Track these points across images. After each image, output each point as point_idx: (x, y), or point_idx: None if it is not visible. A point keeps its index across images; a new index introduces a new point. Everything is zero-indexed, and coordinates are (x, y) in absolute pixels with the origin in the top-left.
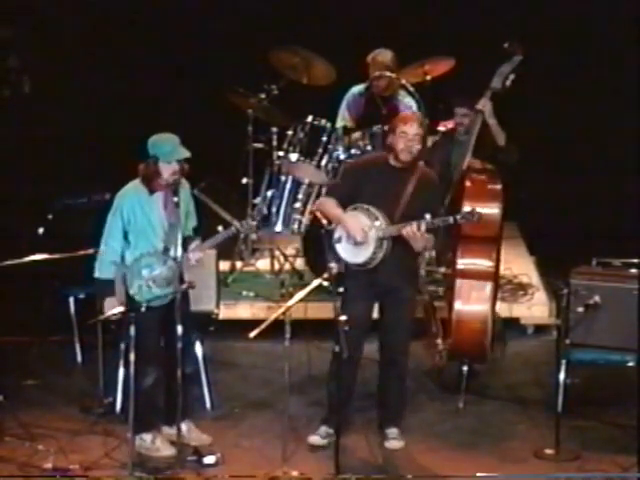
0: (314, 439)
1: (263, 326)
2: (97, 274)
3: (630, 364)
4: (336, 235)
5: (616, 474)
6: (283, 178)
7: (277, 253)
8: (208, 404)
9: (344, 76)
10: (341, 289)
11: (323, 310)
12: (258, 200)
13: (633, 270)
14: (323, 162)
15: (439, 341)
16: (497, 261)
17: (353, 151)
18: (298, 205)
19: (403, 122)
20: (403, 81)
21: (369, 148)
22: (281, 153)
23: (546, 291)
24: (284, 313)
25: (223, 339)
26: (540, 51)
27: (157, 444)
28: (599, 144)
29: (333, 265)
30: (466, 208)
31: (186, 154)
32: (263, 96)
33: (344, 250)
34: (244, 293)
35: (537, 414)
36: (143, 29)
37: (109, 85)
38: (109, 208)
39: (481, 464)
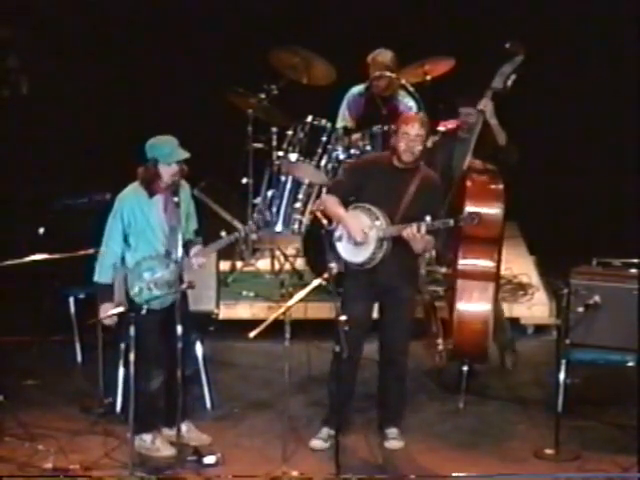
0: (316, 443)
1: (263, 326)
2: (96, 278)
3: (630, 364)
4: (337, 234)
5: (616, 474)
6: (283, 178)
7: (277, 253)
8: (208, 404)
9: (344, 76)
10: (341, 289)
11: (323, 310)
12: (258, 200)
13: (633, 270)
14: (323, 162)
15: (439, 341)
16: (498, 261)
17: (353, 151)
18: (298, 205)
19: (405, 123)
20: (403, 81)
21: (369, 148)
22: (281, 153)
23: (546, 291)
24: (284, 313)
25: (223, 339)
26: (540, 51)
27: (157, 444)
28: (599, 144)
29: (333, 265)
30: (468, 208)
31: (185, 155)
32: (263, 96)
33: (344, 249)
34: (244, 293)
35: (537, 414)
36: (143, 29)
37: (109, 85)
38: (109, 208)
39: (481, 464)
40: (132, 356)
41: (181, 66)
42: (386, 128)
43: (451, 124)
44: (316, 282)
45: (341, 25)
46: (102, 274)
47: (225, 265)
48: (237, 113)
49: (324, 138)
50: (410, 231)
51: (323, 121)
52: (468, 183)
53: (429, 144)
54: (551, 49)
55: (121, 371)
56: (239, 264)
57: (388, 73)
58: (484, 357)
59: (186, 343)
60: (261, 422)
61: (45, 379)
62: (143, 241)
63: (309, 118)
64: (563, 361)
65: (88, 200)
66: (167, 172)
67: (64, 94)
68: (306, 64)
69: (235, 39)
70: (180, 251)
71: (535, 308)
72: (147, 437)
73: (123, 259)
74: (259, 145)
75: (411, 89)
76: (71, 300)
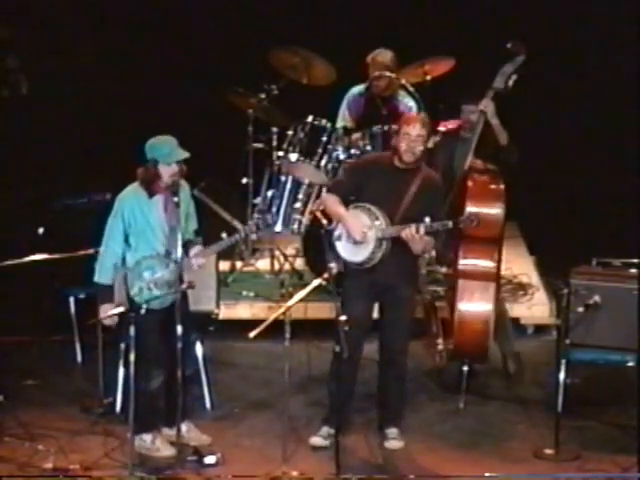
0: (315, 440)
1: (263, 326)
2: (97, 278)
3: (630, 364)
4: (336, 233)
5: (616, 474)
6: (283, 178)
7: (277, 253)
8: (208, 404)
9: (344, 76)
10: (341, 289)
11: (323, 310)
12: (258, 200)
13: (633, 270)
14: (323, 162)
15: (439, 341)
16: (499, 261)
17: (353, 151)
18: (298, 205)
19: (406, 123)
20: (403, 81)
21: (369, 148)
22: (281, 153)
23: (546, 291)
24: (284, 313)
25: (223, 339)
26: (540, 51)
27: (157, 444)
28: (599, 144)
29: (333, 265)
30: (469, 208)
31: (185, 155)
32: (263, 96)
33: (343, 248)
34: (244, 293)
35: (537, 414)
36: (143, 29)
37: (109, 85)
38: (109, 208)
39: (481, 464)
40: (132, 356)
41: (181, 66)
42: (386, 128)
43: (451, 124)
44: (316, 282)
45: (341, 25)
46: (102, 274)
47: (225, 265)
48: (237, 113)
49: (324, 138)
50: (409, 232)
51: (323, 121)
52: (469, 183)
53: (430, 144)
54: (551, 49)
55: (121, 371)
56: (239, 264)
57: (388, 73)
58: (484, 357)
59: (186, 343)
60: (261, 422)
61: (45, 379)
62: (143, 241)
63: (309, 118)
64: (563, 361)
65: (88, 200)
66: (167, 172)
67: (64, 94)
68: (306, 64)
69: (235, 39)
70: (180, 251)
71: (535, 308)
72: (147, 437)
73: (123, 259)
74: (259, 145)
75: (411, 89)
76: (71, 300)
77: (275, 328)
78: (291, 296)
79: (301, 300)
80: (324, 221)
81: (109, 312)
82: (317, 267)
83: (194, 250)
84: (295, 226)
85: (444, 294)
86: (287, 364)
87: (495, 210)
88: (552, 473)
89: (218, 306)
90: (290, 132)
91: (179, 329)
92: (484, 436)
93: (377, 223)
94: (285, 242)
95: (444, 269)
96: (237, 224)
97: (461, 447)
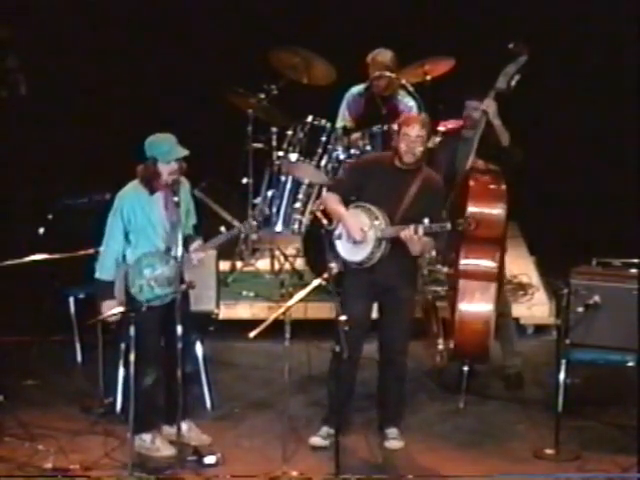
0: (315, 440)
1: (263, 326)
2: (97, 275)
3: (630, 364)
4: (336, 232)
5: (616, 474)
6: (283, 178)
7: (277, 253)
8: (208, 404)
9: (344, 76)
10: (341, 289)
11: (323, 310)
12: (258, 200)
13: (633, 270)
14: (323, 162)
15: (439, 341)
16: (501, 262)
17: (353, 151)
18: (298, 205)
19: (406, 124)
20: (403, 81)
21: (369, 148)
22: (281, 153)
23: (546, 291)
24: (284, 313)
25: (223, 339)
26: (540, 51)
27: (157, 444)
28: (599, 144)
29: (333, 265)
30: (470, 208)
31: (184, 153)
32: (263, 96)
33: (343, 248)
34: (244, 293)
35: (537, 414)
36: (143, 29)
37: (109, 85)
38: (109, 208)
39: (481, 464)
40: (132, 356)
41: (181, 66)
42: (386, 128)
43: (451, 124)
44: (316, 282)
45: (341, 25)
46: (103, 271)
47: (225, 265)
48: (237, 113)
49: (324, 138)
50: (407, 233)
51: (323, 121)
52: (471, 183)
53: (431, 144)
54: (551, 49)
55: (121, 371)
56: (239, 264)
57: (388, 73)
58: (485, 357)
59: (186, 343)
60: (261, 422)
61: (45, 379)
62: (143, 238)
63: (309, 118)
64: (563, 361)
65: (88, 200)
66: (166, 170)
67: (64, 94)
68: (306, 64)
69: (235, 39)
70: (180, 248)
71: (535, 308)
72: (147, 437)
73: (124, 256)
74: (259, 145)
75: (411, 89)
76: (71, 300)
77: (275, 328)
78: (291, 296)
79: (301, 300)
80: (324, 221)
81: (111, 311)
82: (317, 267)
83: (193, 245)
84: (295, 226)
85: (445, 294)
86: (287, 364)
87: (496, 210)
88: (552, 473)
89: (218, 306)
90: (290, 132)
91: (179, 329)
92: (484, 436)
93: (377, 223)
94: (285, 242)
95: (445, 269)
96: (237, 224)
97: (461, 447)
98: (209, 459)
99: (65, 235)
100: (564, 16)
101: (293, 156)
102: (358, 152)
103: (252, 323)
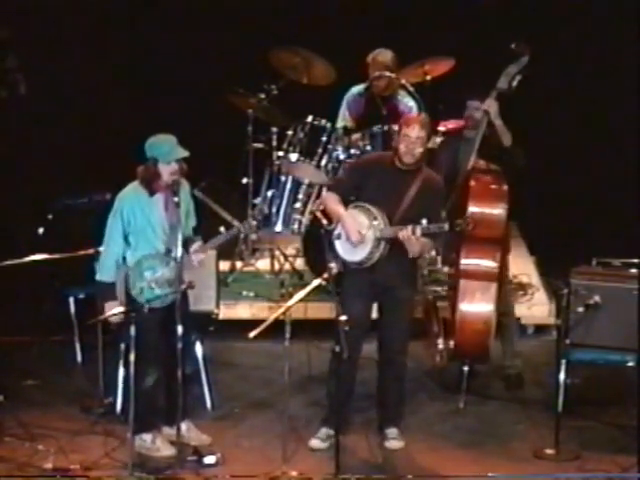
0: (314, 443)
1: (263, 326)
2: (98, 277)
3: (630, 364)
4: (336, 232)
5: (616, 474)
6: (283, 178)
7: (277, 253)
8: (208, 404)
9: (344, 76)
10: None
11: (323, 310)
12: (258, 200)
13: (633, 270)
14: (323, 162)
15: (440, 341)
16: (504, 262)
17: (353, 151)
18: (298, 205)
19: (406, 125)
20: (403, 81)
21: (369, 148)
22: (281, 153)
23: (546, 291)
24: (284, 313)
25: (223, 339)
26: (539, 51)
27: (157, 444)
28: (599, 144)
29: (333, 265)
30: (471, 208)
31: (184, 153)
32: (263, 96)
33: (342, 248)
34: (244, 293)
35: (537, 414)
36: (143, 29)
37: (109, 85)
38: (109, 208)
39: (481, 464)
40: (132, 356)
41: (181, 66)
42: (386, 128)
43: (451, 124)
44: (316, 282)
45: (341, 25)
46: (104, 273)
47: (225, 265)
48: (237, 113)
49: (324, 138)
50: (405, 233)
51: (323, 121)
52: (472, 183)
53: (433, 144)
54: (550, 49)
55: (121, 371)
56: (239, 264)
57: (388, 73)
58: (485, 357)
59: (186, 343)
60: (261, 422)
61: (45, 379)
62: (143, 240)
63: (309, 118)
64: (563, 361)
65: (88, 200)
66: (166, 171)
67: (64, 94)
68: (306, 64)
69: (235, 39)
70: (180, 249)
71: (535, 308)
72: (147, 437)
73: (124, 259)
74: (259, 145)
75: (411, 89)
76: (71, 300)
77: (275, 328)
78: (291, 296)
79: (301, 300)
80: (324, 221)
81: (112, 311)
82: (317, 267)
83: (193, 246)
84: (295, 226)
85: (445, 294)
86: (287, 364)
87: (497, 210)
88: (552, 473)
89: (218, 306)
90: (290, 132)
91: (179, 329)
92: (484, 436)
93: (375, 223)
94: (285, 242)
95: (446, 269)
96: (237, 224)
97: (461, 447)
98: (209, 459)
99: (65, 235)
100: (564, 16)
101: (293, 156)
102: (358, 152)
103: (252, 323)
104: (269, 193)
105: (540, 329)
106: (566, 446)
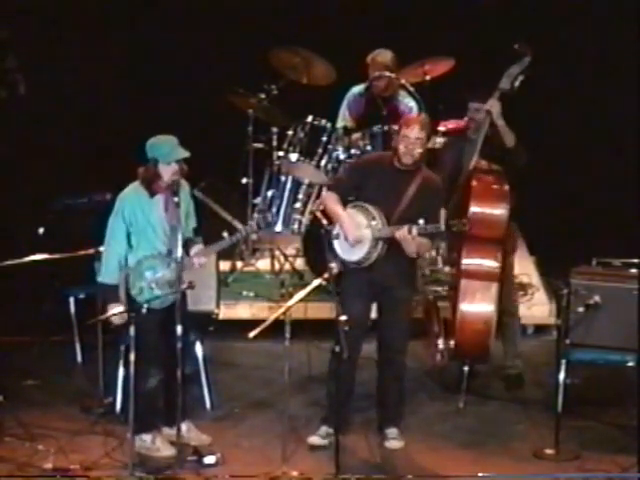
0: (314, 439)
1: (263, 326)
2: (101, 279)
3: (630, 364)
4: (335, 231)
5: (616, 474)
6: (283, 178)
7: (277, 253)
8: (208, 404)
9: (344, 76)
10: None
11: (323, 310)
12: (258, 200)
13: (633, 270)
14: (323, 162)
15: (440, 341)
16: (506, 262)
17: (353, 151)
18: (298, 205)
19: (405, 125)
20: (403, 81)
21: (369, 148)
22: (281, 153)
23: (546, 291)
24: (284, 313)
25: (223, 339)
26: (539, 51)
27: (157, 444)
28: (599, 144)
29: (333, 265)
30: (472, 208)
31: (185, 154)
32: (263, 96)
33: (341, 247)
34: (244, 293)
35: (537, 414)
36: (143, 29)
37: (109, 85)
38: (110, 208)
39: (481, 464)
40: (132, 356)
41: (181, 66)
42: (386, 128)
43: (451, 124)
44: (316, 282)
45: (341, 25)
46: (107, 274)
47: (225, 265)
48: (237, 113)
49: (324, 138)
50: (401, 233)
51: (323, 121)
52: (473, 183)
53: (435, 145)
54: (550, 49)
55: (121, 371)
56: (239, 264)
57: (388, 73)
58: (485, 357)
59: (186, 343)
60: (261, 422)
61: (45, 379)
62: (144, 240)
63: (309, 118)
64: (563, 361)
65: (88, 200)
66: (167, 171)
67: (64, 94)
68: (306, 64)
69: (235, 39)
70: (180, 250)
71: (535, 308)
72: (147, 437)
73: (126, 259)
74: (259, 145)
75: (411, 89)
76: (71, 300)
77: (275, 328)
78: (291, 296)
79: (301, 300)
80: (324, 221)
81: (110, 312)
82: (317, 267)
83: (195, 249)
84: (295, 226)
85: (446, 294)
86: (287, 364)
87: (499, 210)
88: (552, 473)
89: (218, 306)
90: (290, 132)
91: (179, 329)
92: (484, 436)
93: (374, 223)
94: (285, 242)
95: (447, 268)
96: (237, 224)
97: (461, 447)
98: (209, 459)
99: (65, 235)
100: (564, 16)
101: (293, 156)
102: (358, 152)
103: (252, 323)
104: (269, 193)
105: (540, 329)
106: (566, 446)
